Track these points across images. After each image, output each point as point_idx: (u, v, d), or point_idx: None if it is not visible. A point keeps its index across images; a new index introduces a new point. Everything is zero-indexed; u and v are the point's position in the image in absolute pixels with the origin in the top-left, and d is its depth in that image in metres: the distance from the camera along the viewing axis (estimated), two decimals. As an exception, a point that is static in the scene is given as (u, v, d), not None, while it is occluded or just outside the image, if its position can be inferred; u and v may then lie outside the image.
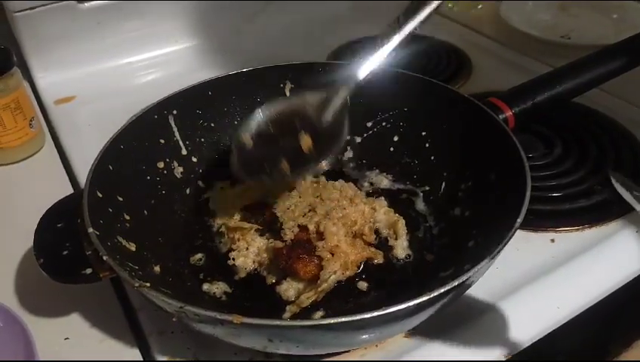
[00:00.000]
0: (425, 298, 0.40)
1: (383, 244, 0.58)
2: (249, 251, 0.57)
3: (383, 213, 0.60)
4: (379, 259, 0.57)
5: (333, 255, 0.54)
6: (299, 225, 0.57)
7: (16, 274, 0.60)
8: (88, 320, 0.55)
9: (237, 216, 0.61)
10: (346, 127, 0.57)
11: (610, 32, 0.97)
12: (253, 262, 0.57)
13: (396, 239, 0.58)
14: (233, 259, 0.57)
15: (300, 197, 0.61)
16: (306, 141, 0.55)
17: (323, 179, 0.64)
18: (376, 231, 0.59)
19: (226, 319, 0.40)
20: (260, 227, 0.59)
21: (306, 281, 0.54)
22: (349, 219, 0.58)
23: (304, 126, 0.57)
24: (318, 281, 0.52)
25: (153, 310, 0.52)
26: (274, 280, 0.55)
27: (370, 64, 0.58)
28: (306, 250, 0.55)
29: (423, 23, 0.59)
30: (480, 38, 1.00)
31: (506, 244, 0.44)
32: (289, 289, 0.54)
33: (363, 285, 0.55)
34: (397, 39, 0.58)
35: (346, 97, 0.58)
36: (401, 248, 0.58)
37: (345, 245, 0.55)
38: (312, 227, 0.56)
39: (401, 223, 0.59)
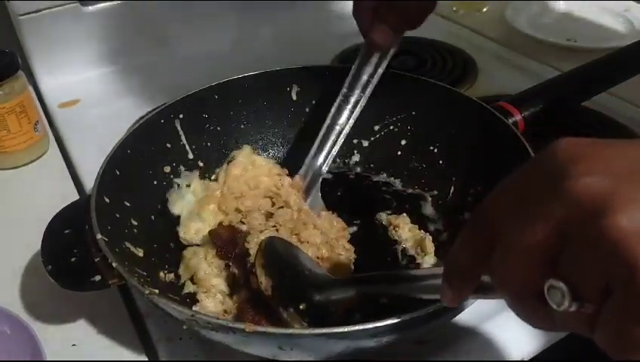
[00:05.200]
0: (440, 305, 0.39)
1: (411, 263, 0.57)
2: (216, 298, 0.52)
3: (407, 231, 0.59)
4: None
5: None
6: None
7: (22, 280, 0.59)
8: (95, 327, 0.54)
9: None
10: None
11: (616, 35, 0.97)
12: (222, 307, 0.52)
13: (424, 256, 0.57)
14: (199, 301, 0.52)
15: (277, 230, 0.55)
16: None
17: (305, 207, 0.60)
18: (403, 251, 0.58)
19: (238, 327, 0.40)
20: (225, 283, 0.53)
21: None
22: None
23: None
24: None
25: (161, 317, 0.51)
26: None
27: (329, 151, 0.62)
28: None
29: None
30: (485, 41, 0.99)
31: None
32: None
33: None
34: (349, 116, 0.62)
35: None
36: (429, 265, 0.56)
37: None
38: None
39: (428, 240, 0.57)
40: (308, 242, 0.55)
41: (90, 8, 0.89)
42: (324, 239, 0.56)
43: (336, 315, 0.47)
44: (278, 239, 0.53)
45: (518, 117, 0.60)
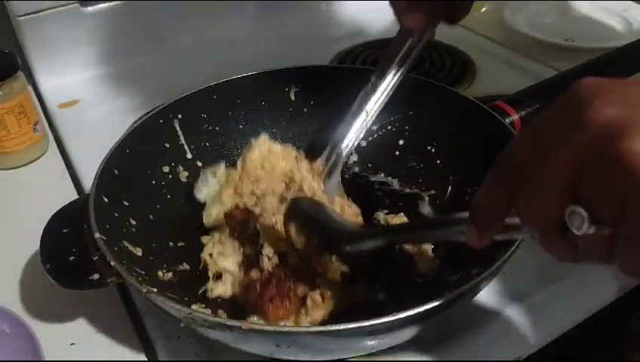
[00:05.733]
0: (435, 303, 0.40)
1: (407, 261, 0.57)
2: (225, 279, 0.54)
3: None
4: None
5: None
6: (279, 254, 0.53)
7: (22, 280, 0.59)
8: (94, 326, 0.54)
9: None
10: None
11: (614, 34, 0.97)
12: (232, 289, 0.54)
13: (420, 255, 0.57)
14: (211, 291, 0.53)
15: None
16: None
17: (320, 192, 0.59)
18: (400, 250, 0.58)
19: (235, 325, 0.40)
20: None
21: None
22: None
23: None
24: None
25: (160, 315, 0.52)
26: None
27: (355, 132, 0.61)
28: (279, 289, 0.49)
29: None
30: (484, 41, 0.99)
31: (516, 249, 0.44)
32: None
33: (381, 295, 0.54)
34: (376, 100, 0.61)
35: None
36: (426, 263, 0.56)
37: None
38: (292, 261, 0.52)
39: None
40: None
41: (90, 9, 0.89)
42: None
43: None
44: (304, 198, 0.54)
45: (514, 116, 0.60)
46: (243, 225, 0.56)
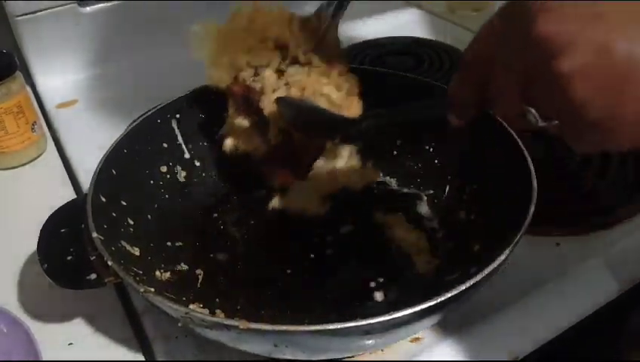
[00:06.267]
0: (433, 303, 0.40)
1: (405, 261, 0.57)
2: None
3: (403, 230, 0.59)
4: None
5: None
6: (282, 131, 0.55)
7: (19, 280, 0.59)
8: (92, 326, 0.54)
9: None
10: None
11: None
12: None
13: (419, 255, 0.57)
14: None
15: (285, 85, 0.56)
16: None
17: (315, 59, 0.57)
18: (398, 250, 0.58)
19: (232, 324, 0.40)
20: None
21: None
22: None
23: None
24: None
25: (158, 315, 0.52)
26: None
27: None
28: (284, 162, 0.55)
29: None
30: (482, 40, 0.99)
31: (514, 248, 0.44)
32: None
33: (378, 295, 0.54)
34: None
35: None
36: (425, 262, 0.56)
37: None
38: (296, 135, 0.54)
39: (424, 238, 0.58)
40: (319, 94, 0.56)
41: (88, 9, 0.89)
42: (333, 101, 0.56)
43: None
44: (289, 97, 0.55)
45: (512, 115, 0.60)
46: (245, 101, 0.57)
